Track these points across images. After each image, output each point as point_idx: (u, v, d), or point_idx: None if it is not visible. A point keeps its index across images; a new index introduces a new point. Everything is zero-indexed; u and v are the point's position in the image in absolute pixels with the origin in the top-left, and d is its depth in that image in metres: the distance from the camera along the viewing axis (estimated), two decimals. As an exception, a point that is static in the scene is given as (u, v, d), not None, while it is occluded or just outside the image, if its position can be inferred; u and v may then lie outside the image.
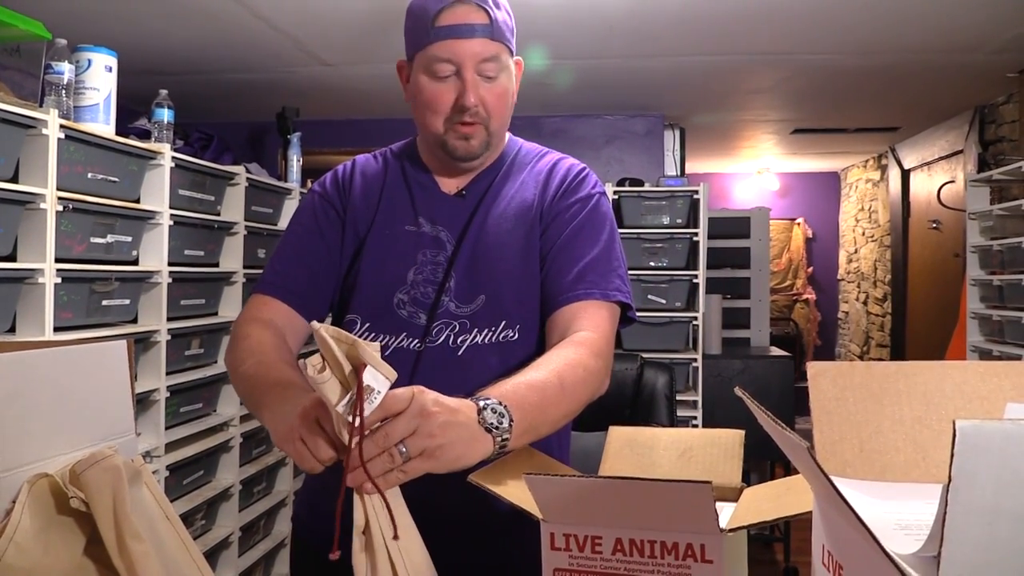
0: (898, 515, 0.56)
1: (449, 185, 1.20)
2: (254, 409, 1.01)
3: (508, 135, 1.24)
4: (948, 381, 0.66)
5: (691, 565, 0.70)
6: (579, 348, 1.03)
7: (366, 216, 1.18)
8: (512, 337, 1.12)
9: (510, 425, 0.86)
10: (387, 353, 1.11)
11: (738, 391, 0.62)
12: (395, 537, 0.76)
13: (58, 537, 0.67)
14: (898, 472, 0.62)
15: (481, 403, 0.86)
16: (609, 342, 1.10)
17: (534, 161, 1.23)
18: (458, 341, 1.12)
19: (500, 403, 0.87)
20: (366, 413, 0.74)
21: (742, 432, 0.95)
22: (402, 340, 1.13)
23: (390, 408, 0.76)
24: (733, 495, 0.86)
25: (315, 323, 0.74)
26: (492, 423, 0.85)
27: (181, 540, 0.72)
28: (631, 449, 0.96)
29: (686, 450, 0.94)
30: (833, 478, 0.45)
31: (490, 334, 1.12)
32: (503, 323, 1.12)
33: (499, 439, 0.85)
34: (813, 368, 0.65)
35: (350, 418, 0.74)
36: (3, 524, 0.64)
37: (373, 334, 1.14)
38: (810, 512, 0.61)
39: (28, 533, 0.65)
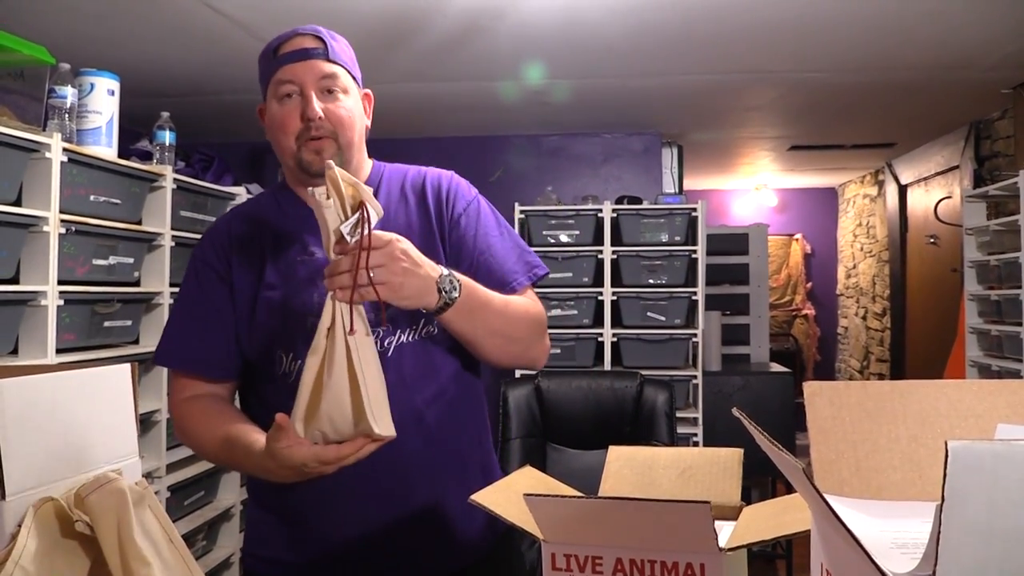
0: (895, 533, 0.56)
1: None
2: (240, 470, 1.15)
3: (372, 161, 1.32)
4: (943, 400, 0.66)
5: (691, 584, 0.70)
6: (526, 300, 1.23)
7: (254, 260, 1.22)
8: (433, 331, 1.20)
9: (456, 297, 1.07)
10: None
11: (736, 412, 0.62)
12: (351, 332, 0.94)
13: (63, 561, 0.68)
14: (895, 491, 0.63)
15: (445, 272, 1.06)
16: (543, 312, 1.27)
17: (403, 176, 1.31)
18: (384, 344, 1.17)
19: (459, 280, 1.08)
20: (355, 238, 0.94)
21: (741, 451, 0.96)
22: None
23: (371, 242, 0.95)
24: (733, 514, 0.87)
25: (330, 163, 0.94)
26: (445, 287, 1.06)
27: (185, 563, 0.72)
28: (631, 468, 0.97)
29: (686, 469, 0.95)
30: (830, 497, 0.46)
31: (412, 332, 1.19)
32: (422, 320, 1.19)
33: (444, 301, 1.06)
34: (809, 388, 0.66)
35: (348, 237, 0.94)
36: (9, 548, 0.65)
37: (301, 361, 1.11)
38: (809, 530, 0.61)
39: (33, 557, 0.65)
